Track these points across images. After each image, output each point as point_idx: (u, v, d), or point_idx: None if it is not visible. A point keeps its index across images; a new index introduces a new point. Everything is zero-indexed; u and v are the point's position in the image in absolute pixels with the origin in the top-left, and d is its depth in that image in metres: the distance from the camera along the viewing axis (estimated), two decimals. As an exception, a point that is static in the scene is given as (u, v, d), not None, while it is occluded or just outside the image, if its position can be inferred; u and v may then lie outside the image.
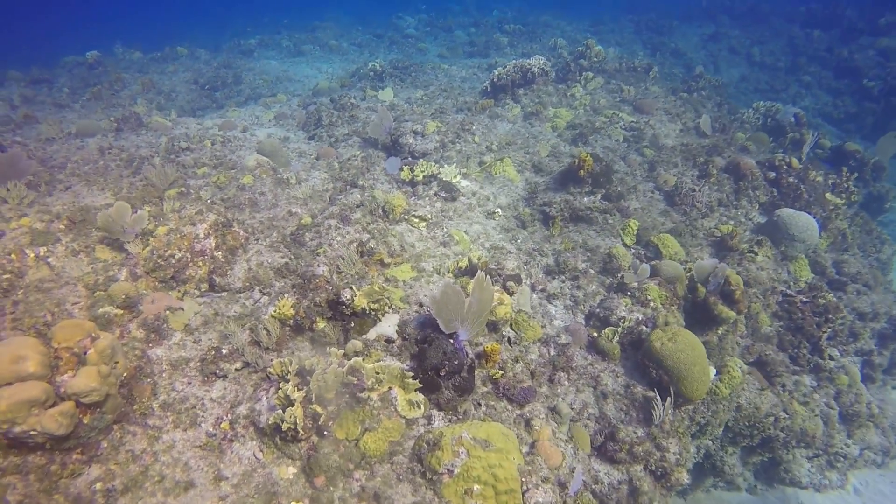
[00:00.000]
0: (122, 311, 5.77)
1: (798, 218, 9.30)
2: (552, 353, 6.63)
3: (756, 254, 8.94)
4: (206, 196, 8.24)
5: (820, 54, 22.68)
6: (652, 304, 7.24)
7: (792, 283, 9.10)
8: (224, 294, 6.63)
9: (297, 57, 22.73)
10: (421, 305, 6.56)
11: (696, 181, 10.34)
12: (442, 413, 5.39)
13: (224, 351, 5.61)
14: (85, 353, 4.44)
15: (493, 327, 6.53)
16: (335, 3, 35.75)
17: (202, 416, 5.09)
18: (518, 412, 5.79)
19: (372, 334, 6.02)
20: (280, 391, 4.91)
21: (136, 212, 6.67)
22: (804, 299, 8.47)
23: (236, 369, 5.54)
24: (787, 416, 7.48)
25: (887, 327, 9.43)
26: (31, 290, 5.74)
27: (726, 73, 22.60)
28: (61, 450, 4.35)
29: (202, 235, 6.78)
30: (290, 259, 7.26)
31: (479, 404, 5.66)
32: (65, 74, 16.76)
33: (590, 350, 6.88)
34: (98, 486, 4.33)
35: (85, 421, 4.39)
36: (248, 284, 6.76)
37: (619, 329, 6.96)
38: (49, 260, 6.15)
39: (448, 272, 7.34)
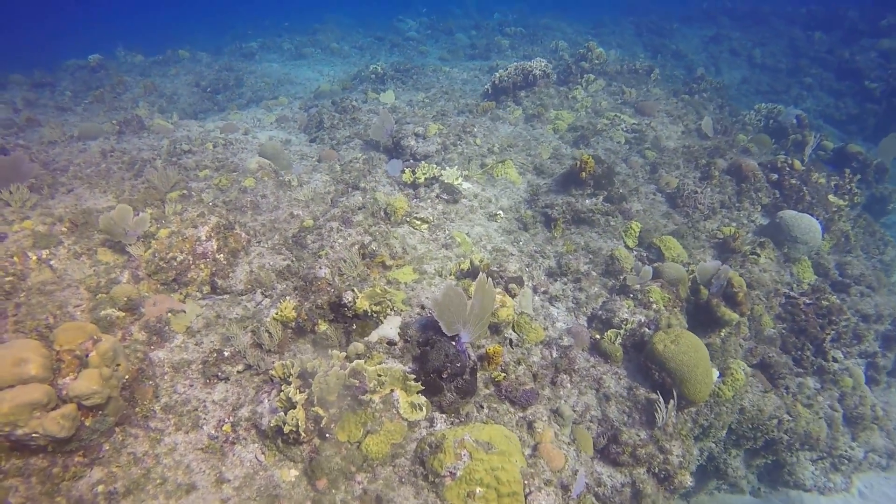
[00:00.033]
0: (123, 314, 5.77)
1: (801, 220, 9.28)
2: (554, 355, 6.61)
3: (759, 256, 8.92)
4: (207, 198, 8.25)
5: (821, 56, 22.66)
6: (654, 306, 7.22)
7: (795, 285, 9.07)
8: (226, 296, 6.63)
9: (299, 60, 22.78)
10: (423, 308, 6.55)
11: (698, 183, 10.33)
12: (444, 415, 5.37)
13: (226, 353, 5.61)
14: (87, 356, 4.43)
15: (495, 329, 6.51)
16: (336, 6, 35.90)
17: (204, 419, 5.08)
18: (520, 414, 5.77)
19: (374, 336, 6.01)
20: (282, 393, 4.90)
21: (137, 214, 6.68)
22: (807, 301, 8.44)
23: (238, 372, 5.54)
24: (790, 418, 7.44)
25: (891, 329, 9.39)
26: (33, 293, 5.74)
27: (727, 74, 22.60)
28: (63, 452, 4.34)
29: (204, 238, 6.78)
30: (292, 261, 7.26)
31: (482, 407, 5.64)
32: (67, 78, 16.80)
33: (592, 352, 6.86)
34: (100, 488, 4.32)
35: (87, 423, 4.38)
36: (249, 287, 6.76)
37: (622, 331, 6.94)
38: (51, 262, 6.15)
39: (450, 274, 7.33)
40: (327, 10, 33.95)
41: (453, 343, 5.53)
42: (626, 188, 9.89)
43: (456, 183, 9.29)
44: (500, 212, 9.10)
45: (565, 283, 7.93)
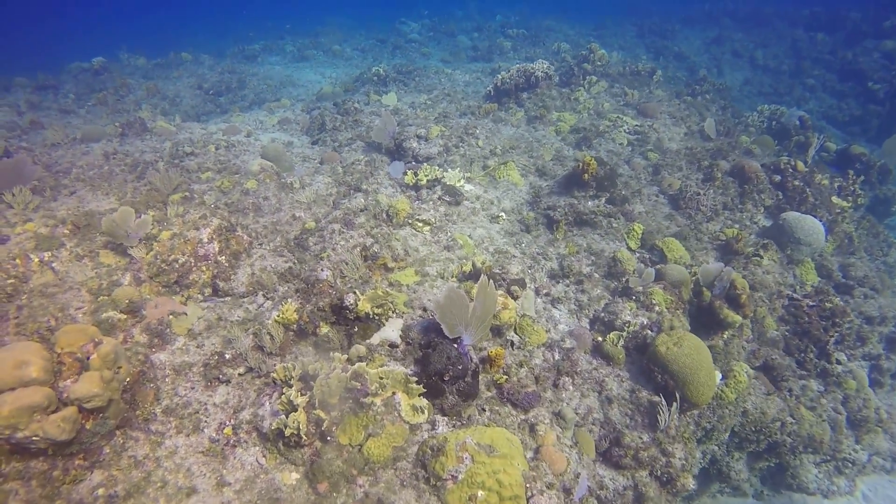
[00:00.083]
0: (125, 316, 5.76)
1: (804, 221, 9.25)
2: (556, 357, 6.59)
3: (762, 257, 8.89)
4: (209, 201, 8.25)
5: (824, 57, 22.62)
6: (657, 308, 7.19)
7: (798, 287, 9.03)
8: (227, 299, 6.62)
9: (301, 62, 22.83)
10: (425, 310, 6.54)
11: (700, 185, 10.30)
12: (446, 418, 5.35)
13: (227, 356, 5.60)
14: (88, 358, 4.43)
15: (497, 332, 6.50)
16: (338, 8, 35.95)
17: (205, 422, 5.07)
18: (522, 417, 5.75)
19: (376, 339, 6.00)
20: (283, 396, 4.89)
21: (139, 216, 6.69)
22: (811, 303, 8.41)
23: (239, 374, 5.53)
24: (794, 421, 7.40)
25: (895, 331, 9.35)
26: (35, 295, 5.74)
27: (730, 76, 22.58)
28: (63, 455, 4.34)
29: (206, 240, 6.78)
30: (294, 263, 7.25)
31: (484, 409, 5.62)
32: (70, 80, 16.85)
33: (594, 354, 6.84)
34: (100, 491, 4.32)
35: (87, 426, 4.38)
36: (251, 289, 6.76)
37: (624, 333, 6.92)
38: (53, 265, 6.16)
39: (452, 276, 7.32)
40: (329, 12, 34.06)
41: (455, 345, 5.51)
42: (628, 190, 9.87)
43: (458, 185, 9.28)
44: (503, 214, 9.09)
45: (567, 286, 7.91)
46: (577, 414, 6.06)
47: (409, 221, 8.32)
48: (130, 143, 10.08)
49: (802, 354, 8.14)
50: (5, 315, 5.39)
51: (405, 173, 9.46)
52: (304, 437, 4.69)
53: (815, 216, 9.56)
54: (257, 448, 4.92)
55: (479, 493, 4.47)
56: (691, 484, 5.87)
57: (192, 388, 5.33)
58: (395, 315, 6.28)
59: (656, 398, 6.14)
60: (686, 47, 24.62)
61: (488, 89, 14.03)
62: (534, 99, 13.35)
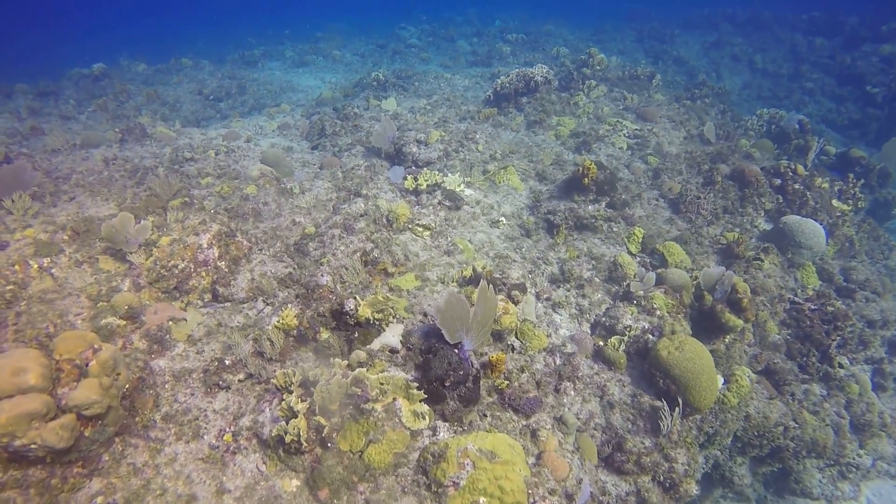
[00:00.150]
0: (124, 322, 5.74)
1: (804, 225, 9.24)
2: (558, 362, 6.56)
3: (762, 261, 8.87)
4: (209, 206, 8.24)
5: (823, 61, 22.67)
6: (658, 312, 7.17)
7: (799, 291, 9.01)
8: (227, 304, 6.60)
9: (301, 67, 22.89)
10: (425, 315, 6.51)
11: (700, 188, 10.29)
12: (447, 424, 5.32)
13: (227, 362, 5.57)
14: (87, 365, 4.40)
15: (498, 337, 6.47)
16: (338, 14, 36.10)
17: (205, 428, 5.04)
18: (524, 423, 5.72)
19: (376, 344, 5.97)
20: (283, 402, 4.86)
21: (139, 222, 6.67)
22: (812, 307, 8.38)
23: (239, 380, 5.50)
24: (796, 425, 7.37)
25: (897, 335, 9.33)
26: (33, 302, 5.72)
27: (729, 80, 22.62)
28: (62, 463, 4.30)
29: (205, 245, 6.76)
30: (294, 269, 7.24)
31: (485, 415, 5.59)
32: (71, 86, 16.89)
33: (596, 359, 6.81)
34: (99, 499, 4.28)
35: (86, 434, 4.34)
36: (251, 294, 6.73)
37: (626, 338, 6.89)
38: (52, 271, 6.14)
39: (452, 281, 7.30)
40: (329, 18, 34.22)
41: (456, 351, 5.49)
42: (628, 194, 9.86)
43: (458, 189, 9.28)
44: (503, 218, 9.08)
45: (568, 290, 7.88)
46: (578, 419, 6.03)
47: (410, 226, 8.31)
48: (130, 148, 10.08)
49: (805, 358, 8.11)
50: (4, 321, 5.37)
51: (405, 178, 9.45)
52: (304, 443, 4.66)
53: (815, 220, 9.55)
54: (257, 455, 4.89)
55: (481, 499, 4.43)
56: (694, 489, 5.84)
57: (192, 395, 5.30)
58: (395, 320, 6.25)
59: (658, 403, 6.11)
60: (685, 52, 24.68)
61: (488, 94, 14.05)
62: (533, 103, 13.36)
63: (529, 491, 4.72)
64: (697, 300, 7.63)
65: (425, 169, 9.88)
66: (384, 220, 8.32)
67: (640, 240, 8.85)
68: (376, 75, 17.06)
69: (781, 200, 10.45)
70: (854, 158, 12.80)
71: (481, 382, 5.73)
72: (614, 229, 9.01)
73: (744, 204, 10.26)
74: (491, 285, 5.68)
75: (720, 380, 6.85)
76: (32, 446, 3.93)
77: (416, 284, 7.12)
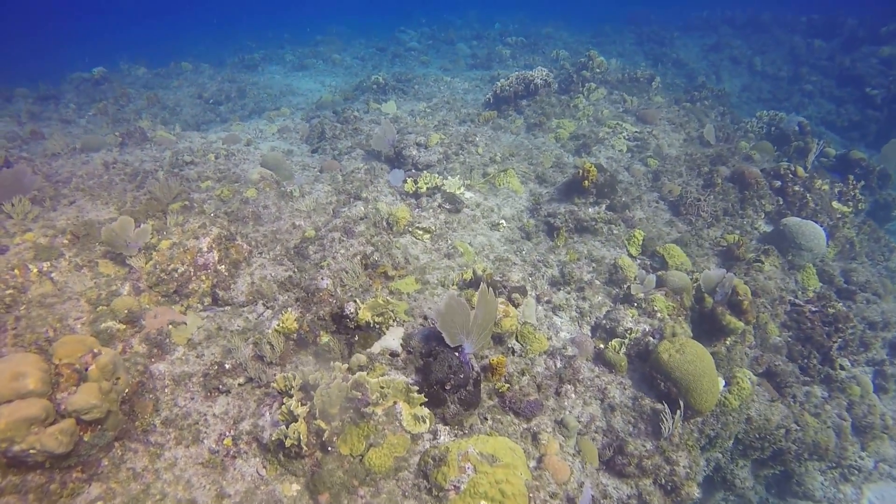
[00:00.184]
0: (124, 326, 5.73)
1: (805, 227, 9.23)
2: (558, 365, 6.54)
3: (763, 263, 8.86)
4: (209, 209, 8.24)
5: (822, 63, 22.69)
6: (659, 314, 7.16)
7: (800, 293, 9.00)
8: (227, 308, 6.59)
9: (301, 71, 22.92)
10: (426, 318, 6.50)
11: (700, 191, 10.29)
12: (448, 428, 5.30)
13: (227, 366, 5.56)
14: (86, 370, 4.39)
15: (499, 340, 6.46)
16: (337, 17, 36.17)
17: (205, 433, 5.03)
18: (525, 426, 5.70)
19: (376, 348, 5.96)
20: (283, 406, 4.85)
21: (139, 226, 6.67)
22: (813, 309, 8.37)
23: (239, 384, 5.49)
24: (798, 427, 7.35)
25: (898, 337, 9.31)
26: (33, 306, 5.71)
27: (728, 82, 22.64)
28: (61, 468, 4.29)
29: (205, 249, 6.76)
30: (294, 272, 7.23)
31: (486, 418, 5.58)
32: (71, 91, 16.91)
33: (596, 362, 6.80)
34: (98, 504, 4.27)
35: (85, 438, 4.33)
36: (251, 298, 6.72)
37: (626, 340, 6.88)
38: (52, 275, 6.13)
39: (452, 284, 7.29)
40: (329, 21, 34.26)
41: (456, 354, 5.47)
42: (628, 196, 9.86)
43: (458, 192, 9.27)
44: (503, 221, 9.07)
45: (569, 293, 7.88)
46: (579, 422, 6.01)
47: (410, 229, 8.30)
48: (130, 152, 10.09)
49: (806, 360, 8.10)
50: (3, 326, 5.36)
51: (405, 181, 9.45)
52: (304, 447, 4.64)
53: (815, 221, 9.55)
54: (257, 459, 4.87)
55: (482, 503, 4.41)
56: (696, 492, 5.81)
57: (192, 399, 5.29)
58: (395, 324, 6.24)
59: (659, 406, 6.09)
60: (684, 54, 24.71)
61: (487, 97, 14.06)
62: (533, 106, 13.37)
63: (531, 495, 4.70)
64: (698, 302, 7.62)
65: (425, 172, 9.88)
66: (384, 223, 8.32)
67: (641, 242, 8.84)
68: (376, 79, 17.07)
69: (781, 202, 10.45)
70: (854, 160, 12.80)
71: (482, 386, 5.71)
72: (614, 232, 9.01)
73: (744, 206, 10.26)
74: (491, 288, 5.67)
75: (721, 382, 6.83)
76: (31, 451, 3.91)
77: (416, 288, 7.11)
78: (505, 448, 4.93)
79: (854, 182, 11.62)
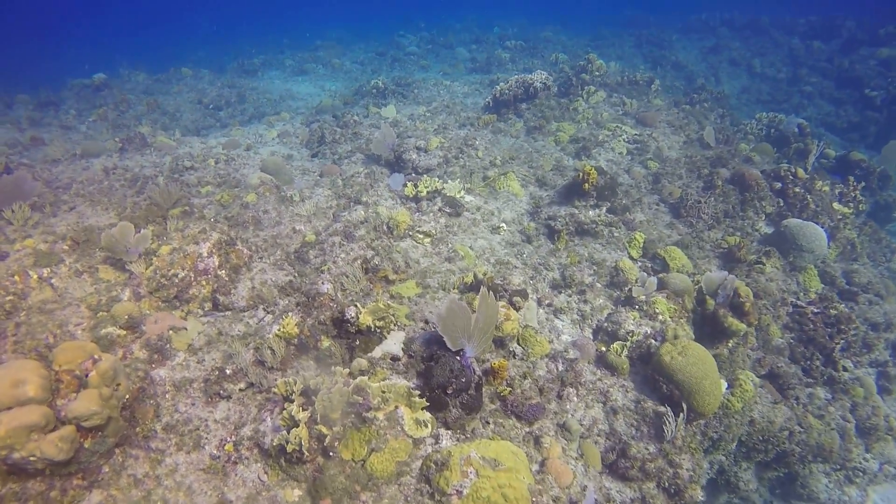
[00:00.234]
0: (124, 332, 5.72)
1: (806, 228, 9.22)
2: (560, 368, 6.52)
3: (764, 265, 8.84)
4: (209, 215, 8.23)
5: (821, 65, 22.71)
6: (660, 317, 7.14)
7: (802, 294, 8.97)
8: (228, 313, 6.58)
9: (301, 75, 22.97)
10: (427, 322, 6.48)
11: (701, 193, 10.28)
12: (450, 432, 5.28)
13: (228, 371, 5.54)
14: (86, 376, 4.37)
15: (500, 343, 6.44)
16: (337, 22, 36.26)
17: (206, 438, 5.01)
18: (527, 430, 5.68)
19: (377, 352, 5.94)
20: (285, 412, 4.82)
21: (139, 231, 6.66)
22: (815, 310, 8.35)
23: (240, 390, 5.47)
24: (802, 429, 7.31)
25: (901, 338, 9.28)
26: (33, 312, 5.70)
27: (728, 84, 22.66)
28: (61, 475, 4.27)
29: (205, 254, 6.75)
30: (295, 277, 7.22)
31: (488, 422, 5.55)
32: (72, 97, 16.94)
33: (598, 365, 6.77)
34: (99, 511, 4.24)
35: (86, 445, 4.31)
36: (252, 303, 6.71)
37: (628, 343, 6.85)
38: (52, 281, 6.12)
39: (453, 288, 7.27)
40: (329, 26, 34.35)
41: (458, 358, 5.45)
42: (629, 199, 9.85)
43: (458, 196, 9.27)
44: (503, 224, 9.06)
45: (570, 296, 7.86)
46: (582, 425, 5.98)
47: (410, 233, 8.29)
48: (130, 158, 10.10)
49: (808, 362, 8.07)
50: (3, 332, 5.34)
51: (405, 185, 9.45)
52: (306, 452, 4.62)
53: (816, 223, 9.53)
54: (259, 465, 4.85)
55: (485, 508, 4.39)
56: (699, 495, 5.78)
57: (193, 405, 5.27)
58: (396, 328, 6.23)
59: (662, 408, 6.07)
60: (684, 57, 24.75)
61: (487, 100, 14.08)
62: (533, 110, 13.39)
63: (533, 499, 4.68)
64: (700, 304, 7.60)
65: (425, 176, 9.88)
66: (384, 227, 8.31)
67: (642, 244, 8.83)
68: (376, 83, 17.10)
69: (782, 204, 10.44)
70: (854, 161, 12.79)
71: (483, 389, 5.69)
72: (615, 234, 9.00)
73: (744, 208, 10.25)
74: (492, 292, 5.66)
75: (724, 384, 6.80)
76: (31, 459, 3.89)
77: (417, 291, 7.10)
78: (507, 452, 4.91)
79: (854, 183, 11.61)
